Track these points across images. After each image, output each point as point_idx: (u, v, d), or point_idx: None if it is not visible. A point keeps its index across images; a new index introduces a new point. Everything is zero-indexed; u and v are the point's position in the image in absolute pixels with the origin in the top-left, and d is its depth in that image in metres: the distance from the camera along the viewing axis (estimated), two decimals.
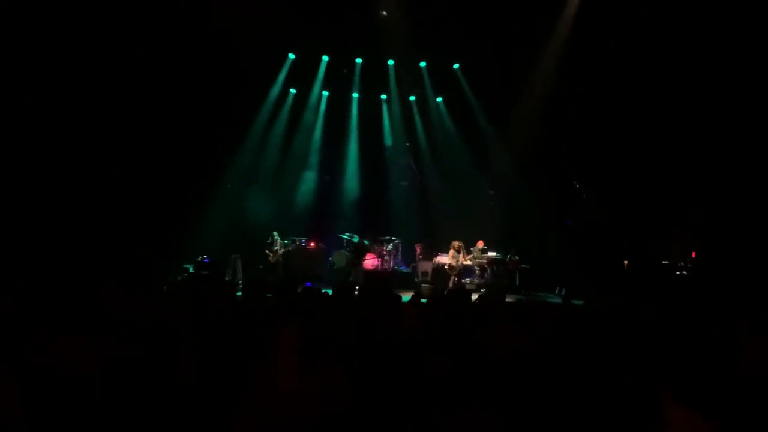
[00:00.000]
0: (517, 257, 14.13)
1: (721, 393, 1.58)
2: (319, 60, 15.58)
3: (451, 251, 12.56)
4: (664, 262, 12.32)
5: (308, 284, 10.56)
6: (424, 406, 1.74)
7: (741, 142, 10.57)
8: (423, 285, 12.70)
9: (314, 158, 16.94)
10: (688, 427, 1.56)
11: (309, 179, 16.73)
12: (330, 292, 5.89)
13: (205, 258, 12.82)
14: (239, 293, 6.96)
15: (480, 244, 13.88)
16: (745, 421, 1.49)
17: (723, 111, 10.69)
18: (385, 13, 13.19)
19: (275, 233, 13.92)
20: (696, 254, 11.79)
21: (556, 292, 13.56)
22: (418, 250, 15.15)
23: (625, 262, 12.76)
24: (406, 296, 6.34)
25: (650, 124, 11.97)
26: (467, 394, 1.74)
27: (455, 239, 12.84)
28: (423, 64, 15.68)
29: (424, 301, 5.89)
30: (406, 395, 1.81)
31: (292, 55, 15.11)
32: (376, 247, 14.84)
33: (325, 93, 16.55)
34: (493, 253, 14.18)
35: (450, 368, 1.86)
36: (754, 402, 1.51)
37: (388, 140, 17.33)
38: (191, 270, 12.52)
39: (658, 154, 12.07)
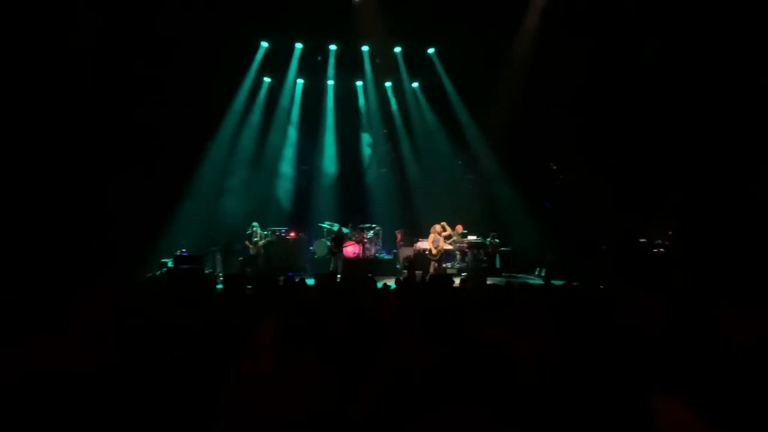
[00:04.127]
0: (497, 240, 14.26)
1: (721, 391, 1.61)
2: (293, 48, 15.37)
3: (432, 235, 12.55)
4: (641, 240, 12.52)
5: (290, 274, 10.54)
6: (409, 398, 1.75)
7: (720, 123, 10.66)
8: (404, 272, 12.72)
9: (291, 147, 16.81)
10: (687, 425, 1.59)
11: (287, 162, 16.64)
12: (312, 282, 5.89)
13: (183, 252, 12.67)
14: (219, 286, 6.90)
15: (459, 228, 13.94)
16: (744, 420, 1.52)
17: (703, 89, 10.76)
18: None
19: (255, 224, 13.75)
20: (673, 232, 11.98)
21: (536, 273, 13.76)
22: (399, 237, 15.19)
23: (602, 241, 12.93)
24: (390, 282, 6.34)
25: (627, 104, 12.07)
26: (454, 387, 1.76)
27: (435, 224, 12.84)
28: (398, 49, 15.58)
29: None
30: (390, 387, 1.82)
31: (265, 44, 14.88)
32: (356, 235, 14.83)
33: (300, 81, 16.37)
34: (473, 237, 14.29)
35: (436, 360, 1.87)
36: (754, 400, 1.54)
37: (365, 126, 17.30)
38: (170, 264, 12.37)
39: (634, 134, 12.20)
